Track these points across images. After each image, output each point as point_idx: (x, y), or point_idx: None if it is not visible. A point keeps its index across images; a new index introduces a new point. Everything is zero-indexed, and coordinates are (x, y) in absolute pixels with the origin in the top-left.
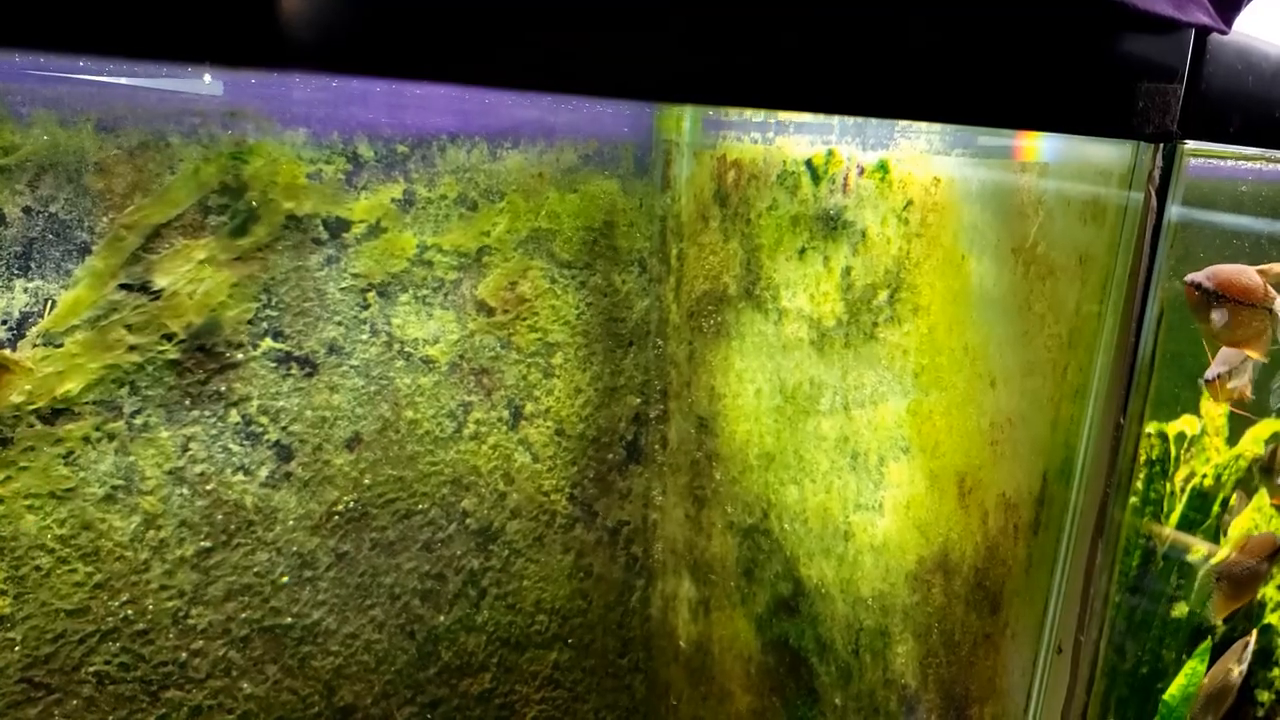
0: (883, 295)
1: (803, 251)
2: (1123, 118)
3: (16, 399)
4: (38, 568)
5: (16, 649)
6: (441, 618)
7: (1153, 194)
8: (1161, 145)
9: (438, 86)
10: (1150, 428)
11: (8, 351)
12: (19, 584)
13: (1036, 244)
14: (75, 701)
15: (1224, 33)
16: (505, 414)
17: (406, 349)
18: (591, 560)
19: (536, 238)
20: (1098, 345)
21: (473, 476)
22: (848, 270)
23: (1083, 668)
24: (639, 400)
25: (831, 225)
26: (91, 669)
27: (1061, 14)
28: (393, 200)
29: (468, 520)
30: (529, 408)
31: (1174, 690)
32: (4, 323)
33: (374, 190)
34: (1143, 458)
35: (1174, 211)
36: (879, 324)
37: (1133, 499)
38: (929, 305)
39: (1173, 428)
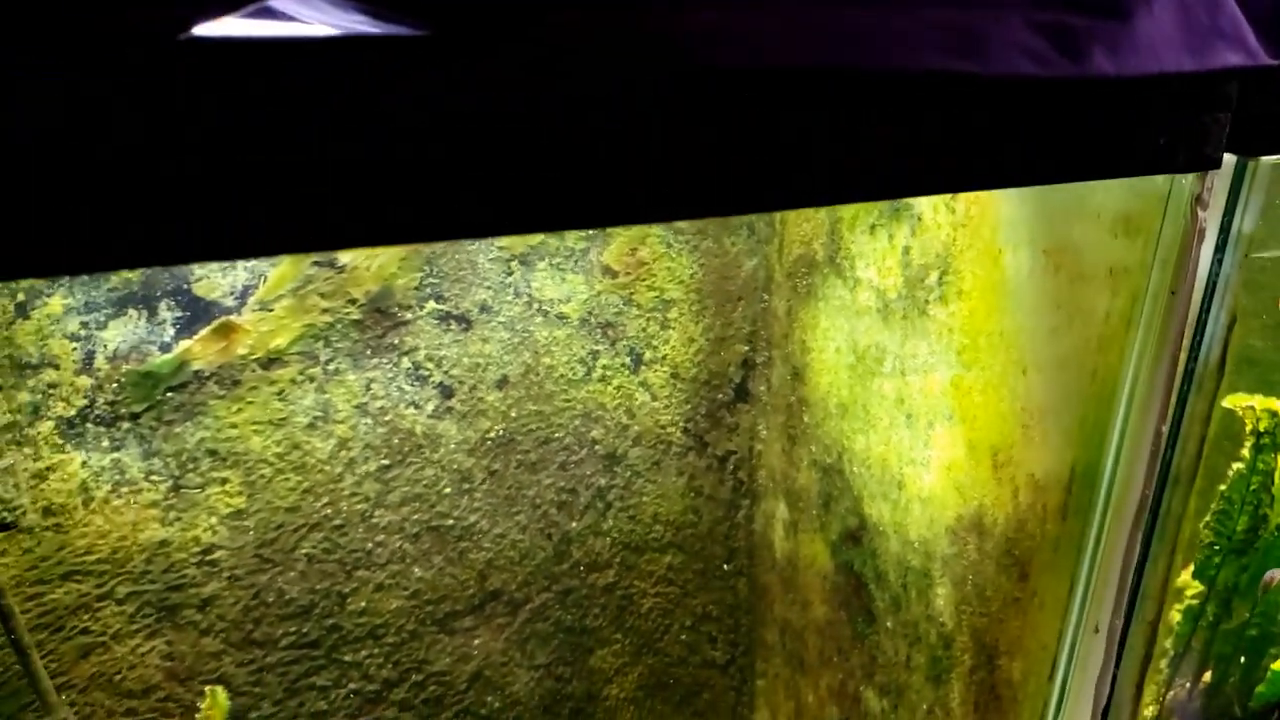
0: (933, 275)
1: (873, 228)
2: (1146, 156)
3: (242, 351)
4: (262, 476)
5: (250, 533)
6: (574, 524)
7: (1200, 214)
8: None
9: None
10: (1257, 403)
11: (234, 317)
12: (250, 487)
13: (1066, 249)
14: (292, 573)
15: (1266, 66)
16: (627, 360)
17: (544, 307)
18: (702, 483)
19: None
20: (1128, 354)
21: (600, 411)
22: (907, 249)
23: (1127, 652)
24: (747, 348)
25: (895, 206)
26: (302, 551)
27: (1074, 84)
28: None
29: (596, 446)
30: (648, 355)
31: None
32: (232, 293)
33: None
34: (1249, 428)
35: (1244, 225)
36: (930, 301)
37: (1237, 466)
38: (970, 290)
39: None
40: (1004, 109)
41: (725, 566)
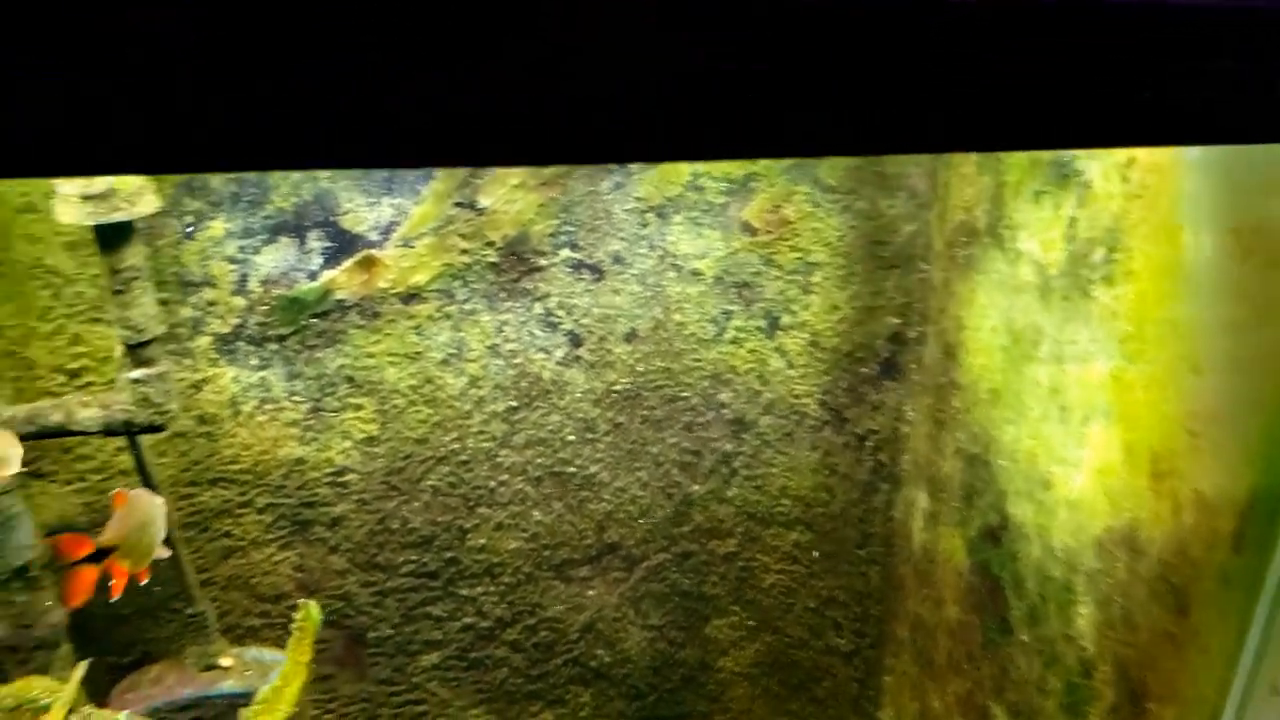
0: (1099, 252)
1: (1038, 195)
2: None
3: (383, 284)
4: (395, 406)
5: (380, 460)
6: (696, 487)
7: None
8: None
9: None
10: None
11: (377, 251)
12: (383, 415)
13: (1261, 230)
14: (417, 504)
15: None
16: (763, 323)
17: (678, 262)
18: (838, 460)
19: (802, 165)
20: None
21: (730, 374)
22: (1073, 221)
23: None
24: (898, 321)
25: (1064, 171)
26: (428, 483)
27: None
28: None
29: (724, 410)
30: (785, 319)
31: None
32: (377, 228)
33: None
34: None
35: None
36: (1093, 281)
37: None
38: (1140, 271)
39: None
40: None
41: (858, 551)
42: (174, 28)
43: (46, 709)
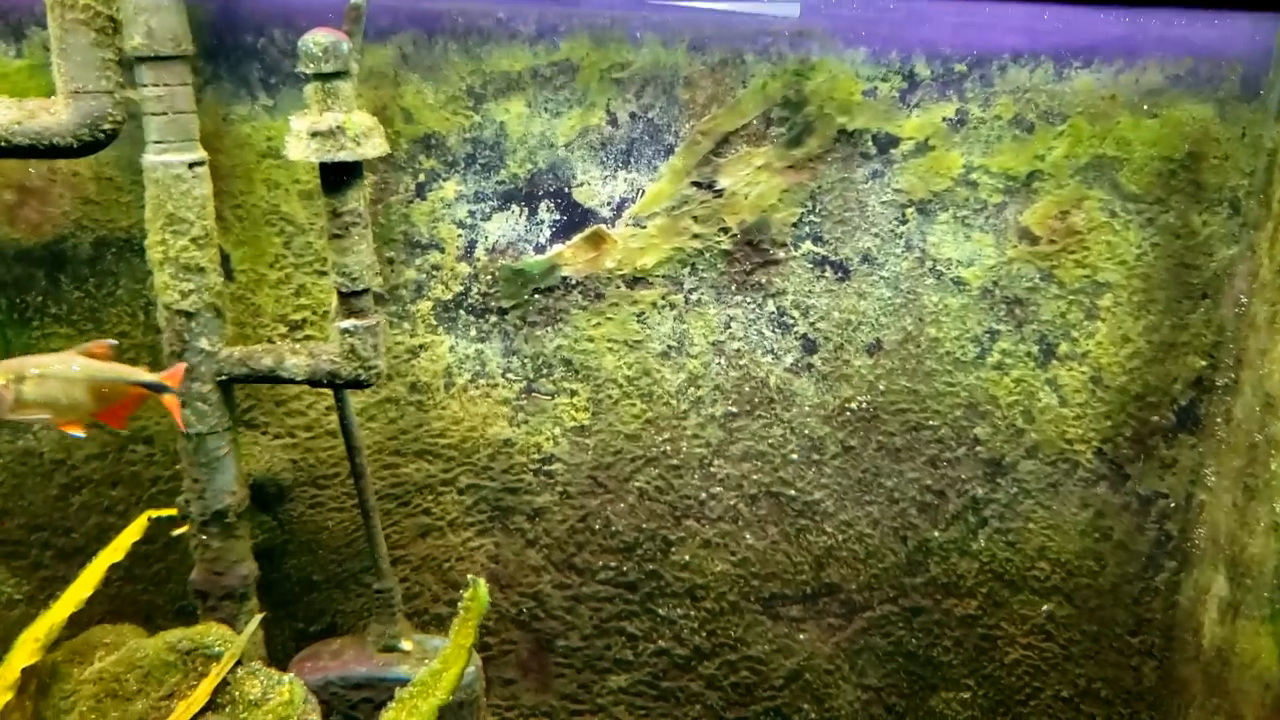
0: None
1: None
2: None
3: (609, 264)
4: (610, 396)
5: (589, 453)
6: (936, 533)
7: None
8: None
9: (1010, 4)
10: None
11: (607, 228)
12: (597, 405)
13: None
14: (622, 505)
15: None
16: (1035, 349)
17: (939, 267)
18: (1113, 524)
19: (1099, 166)
20: None
21: (989, 405)
22: None
23: None
24: (1204, 363)
25: None
26: (636, 484)
27: None
28: (944, 119)
29: (978, 448)
30: (1063, 348)
31: None
32: (609, 203)
33: (926, 108)
34: None
35: None
36: None
37: None
38: None
39: None
40: None
41: (1130, 639)
42: None
43: (218, 657)
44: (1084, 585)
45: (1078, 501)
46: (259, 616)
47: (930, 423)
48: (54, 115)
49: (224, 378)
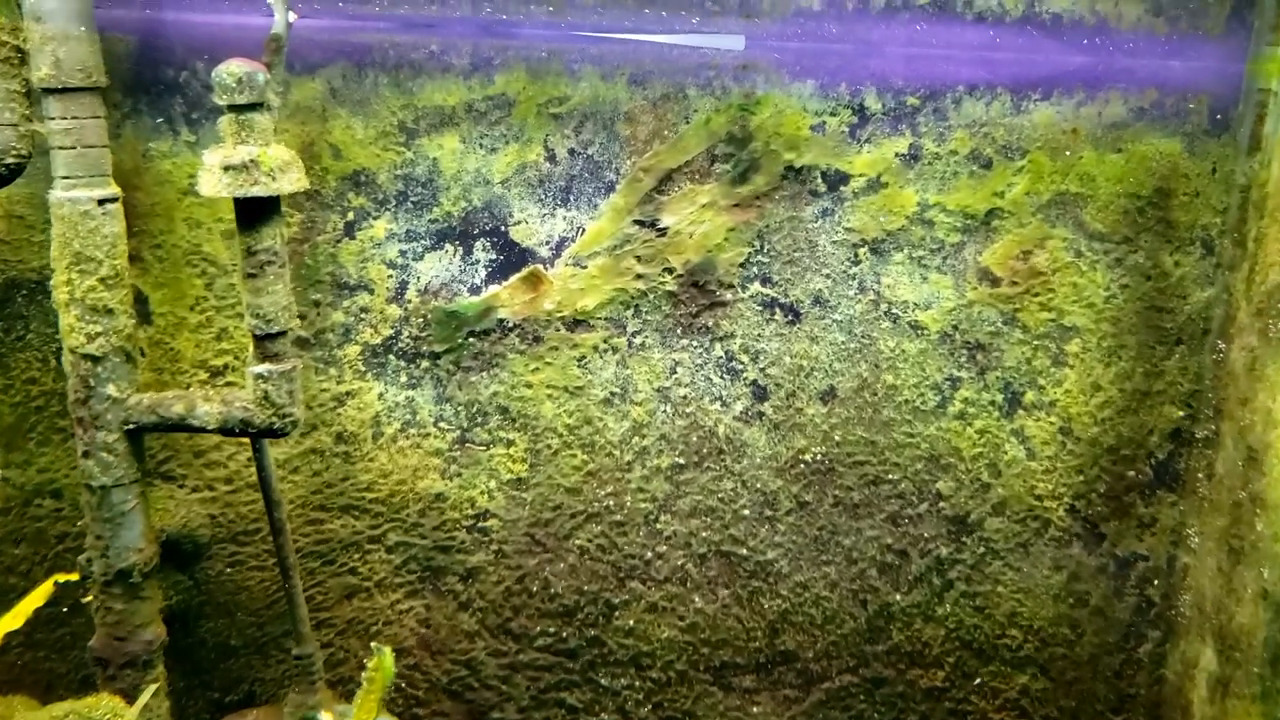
0: None
1: None
2: None
3: (548, 306)
4: (549, 446)
5: (526, 508)
6: (898, 596)
7: None
8: None
9: (965, 35)
10: None
11: (545, 268)
12: (535, 456)
13: None
14: (561, 565)
15: None
16: (999, 398)
17: (894, 310)
18: (1089, 589)
19: (1062, 203)
20: None
21: (952, 458)
22: None
23: None
24: (1182, 413)
25: None
26: (577, 542)
27: None
28: (897, 155)
29: (941, 504)
30: (1029, 396)
31: None
32: (548, 243)
33: (878, 144)
34: None
35: None
36: None
37: None
38: None
39: None
40: None
41: (1112, 717)
42: None
43: None
44: (1060, 656)
45: (1050, 563)
46: (153, 687)
47: (890, 476)
48: None
49: (132, 426)
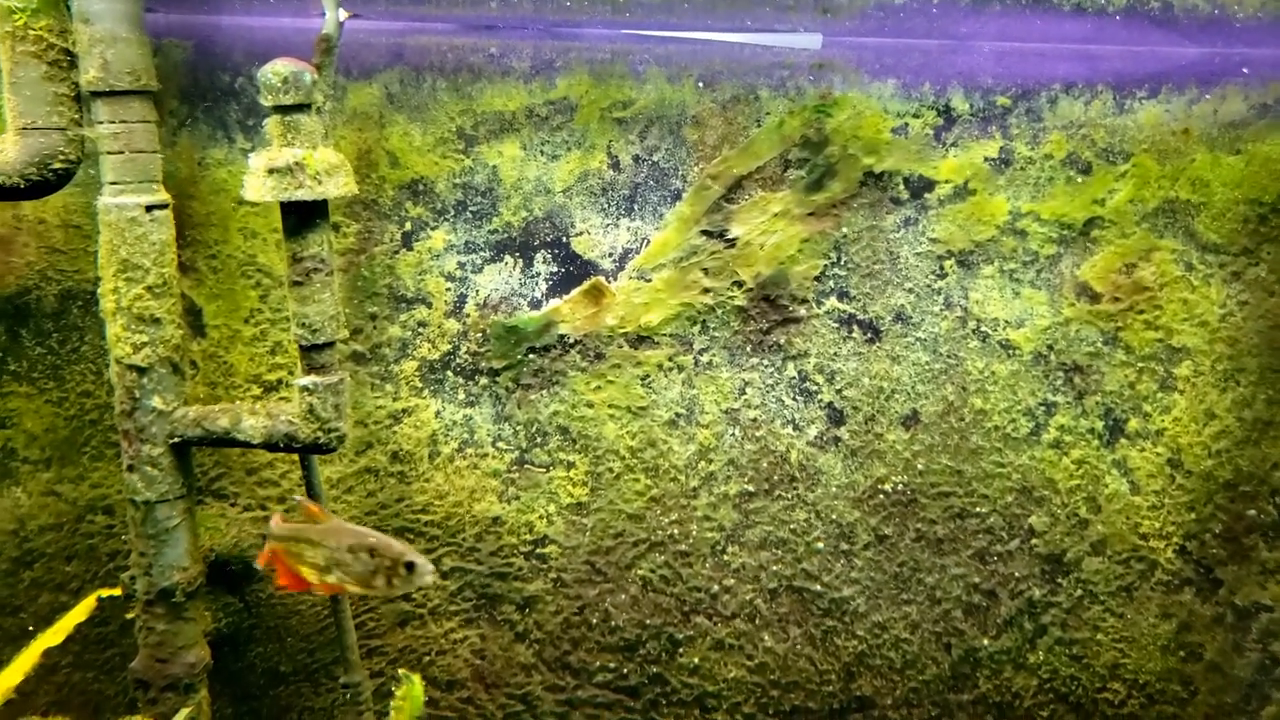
0: None
1: None
2: None
3: (611, 321)
4: (610, 469)
5: (587, 534)
6: (986, 641)
7: None
8: None
9: (1062, 28)
10: None
11: (605, 281)
12: (596, 479)
13: None
14: (623, 596)
15: None
16: (1099, 425)
17: (984, 328)
18: (1202, 640)
19: (1171, 211)
20: None
21: (1046, 490)
22: None
23: None
24: None
25: None
26: (639, 572)
27: None
28: (986, 159)
29: (1034, 540)
30: (1134, 424)
31: None
32: (611, 254)
33: (965, 147)
34: None
35: None
36: None
37: None
38: None
39: None
40: None
41: None
42: None
43: None
44: (1170, 715)
45: (1157, 610)
46: (185, 711)
47: (977, 509)
48: (1, 153)
49: (177, 439)
